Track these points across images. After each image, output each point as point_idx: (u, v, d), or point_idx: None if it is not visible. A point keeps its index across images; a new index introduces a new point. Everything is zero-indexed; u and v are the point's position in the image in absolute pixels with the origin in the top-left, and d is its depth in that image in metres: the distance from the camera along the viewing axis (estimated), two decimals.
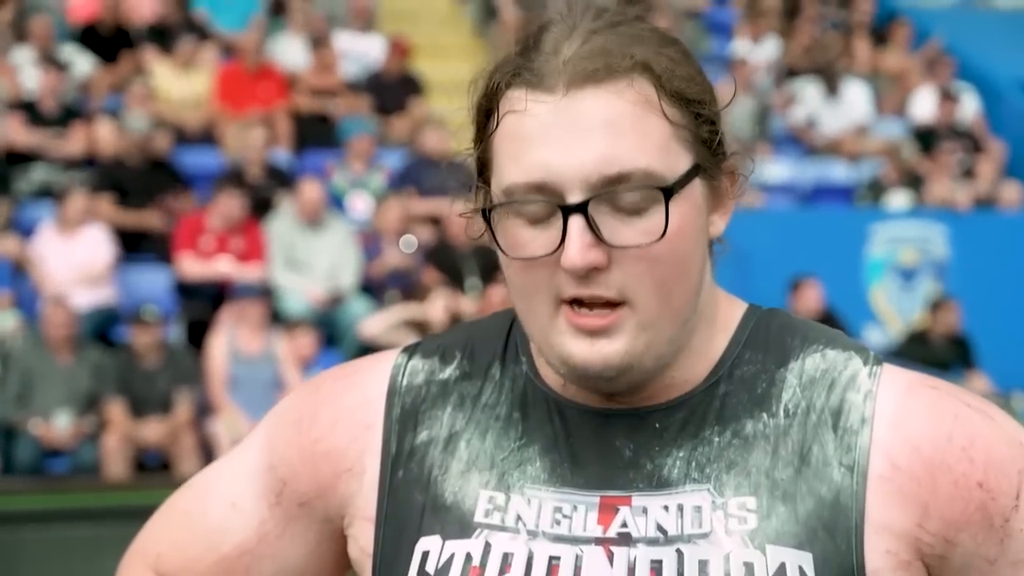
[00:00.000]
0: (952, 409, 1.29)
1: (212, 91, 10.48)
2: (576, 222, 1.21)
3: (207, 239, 8.87)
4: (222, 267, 8.83)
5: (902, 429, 1.28)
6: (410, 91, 11.13)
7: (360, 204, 9.89)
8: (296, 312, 8.73)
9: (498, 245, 1.27)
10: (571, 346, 1.25)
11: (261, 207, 9.27)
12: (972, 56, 13.25)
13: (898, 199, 11.26)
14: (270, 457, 1.41)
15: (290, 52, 11.05)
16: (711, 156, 1.27)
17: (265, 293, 8.58)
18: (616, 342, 1.24)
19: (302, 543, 1.40)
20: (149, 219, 9.18)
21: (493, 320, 1.42)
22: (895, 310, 10.58)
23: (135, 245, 9.03)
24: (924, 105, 12.52)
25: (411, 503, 1.33)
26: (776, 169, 11.55)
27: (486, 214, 1.27)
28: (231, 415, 8.02)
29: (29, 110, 9.70)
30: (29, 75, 10.14)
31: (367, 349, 8.83)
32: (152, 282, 8.93)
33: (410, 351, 1.41)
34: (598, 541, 1.26)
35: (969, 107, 12.62)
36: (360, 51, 11.34)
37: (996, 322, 10.24)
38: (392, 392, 1.38)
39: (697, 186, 1.26)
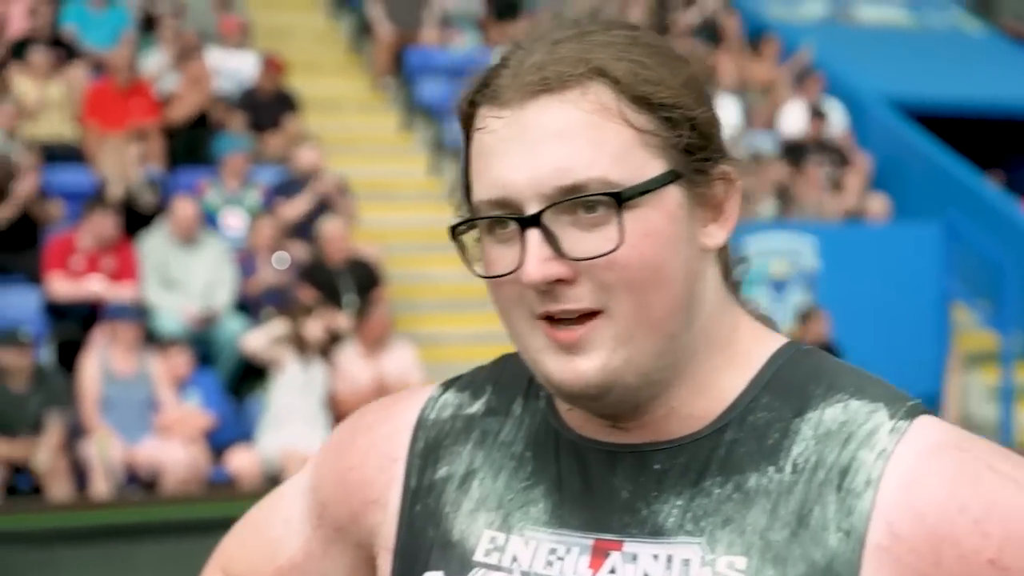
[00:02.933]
0: (973, 474, 1.19)
1: (81, 107, 10.32)
2: (533, 236, 1.19)
3: (77, 258, 8.73)
4: (93, 287, 8.70)
5: (909, 494, 1.19)
6: (285, 108, 11.08)
7: (234, 221, 9.81)
8: (170, 331, 8.62)
9: (467, 264, 1.24)
10: (550, 364, 1.22)
11: (133, 225, 9.15)
12: (839, 71, 13.54)
13: (766, 210, 11.46)
14: (315, 479, 1.44)
15: (161, 68, 10.92)
16: (694, 162, 1.22)
17: (139, 313, 8.46)
18: (593, 358, 1.20)
19: (341, 565, 1.43)
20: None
21: None
22: None
23: (2, 265, 8.84)
24: (794, 119, 12.77)
25: (424, 538, 1.34)
26: None
27: (453, 234, 1.24)
28: (104, 436, 7.89)
29: None
30: None
31: (245, 367, 8.76)
32: (21, 303, 8.75)
33: (448, 384, 1.41)
34: None
35: (837, 121, 12.90)
36: (233, 68, 11.26)
37: (864, 332, 10.47)
38: (419, 425, 1.38)
39: (672, 193, 1.21)
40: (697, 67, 1.26)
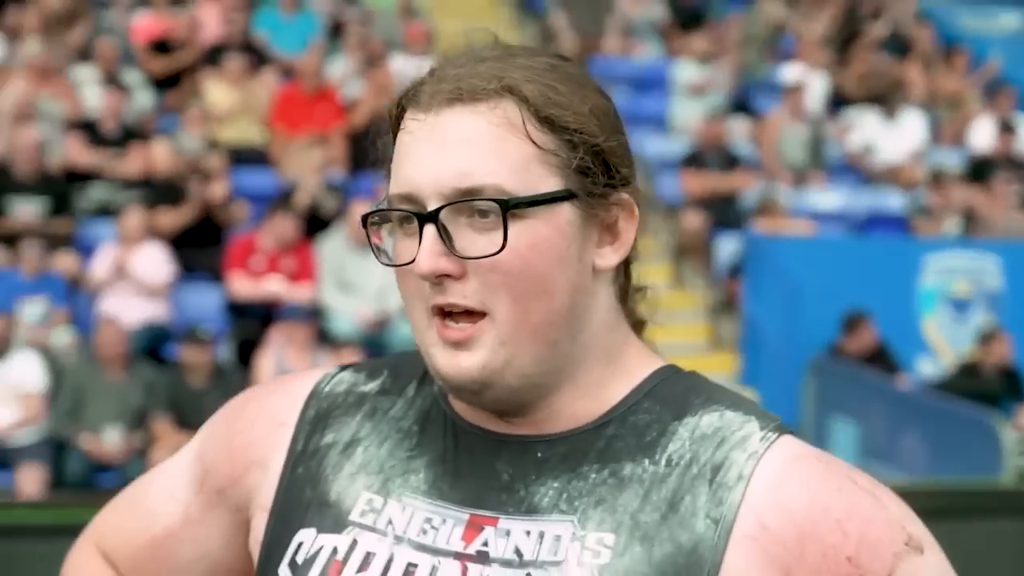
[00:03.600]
0: (836, 483, 1.29)
1: (269, 112, 10.63)
2: (429, 231, 1.28)
3: (258, 259, 8.99)
4: (272, 287, 8.95)
5: (778, 492, 1.28)
6: None
7: None
8: (344, 333, 8.82)
9: (375, 253, 1.34)
10: (439, 358, 1.30)
11: (314, 228, 9.39)
12: None
13: (950, 227, 11.20)
14: (201, 447, 1.51)
15: (347, 74, 11.17)
16: (590, 185, 1.30)
17: (313, 314, 8.68)
18: (476, 355, 1.29)
19: (219, 530, 1.48)
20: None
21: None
22: (947, 341, 10.51)
23: (187, 263, 9.17)
24: (983, 135, 12.45)
25: (301, 498, 1.39)
26: (830, 197, 11.53)
27: (364, 222, 1.34)
28: None
29: (89, 130, 9.89)
30: (91, 95, 10.34)
31: None
32: (203, 300, 9.06)
33: (345, 366, 1.49)
34: (457, 556, 1.31)
35: None
36: (413, 73, 11.44)
37: None
38: (312, 395, 1.45)
39: (565, 211, 1.29)
40: (610, 102, 1.35)
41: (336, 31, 11.86)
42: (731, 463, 1.29)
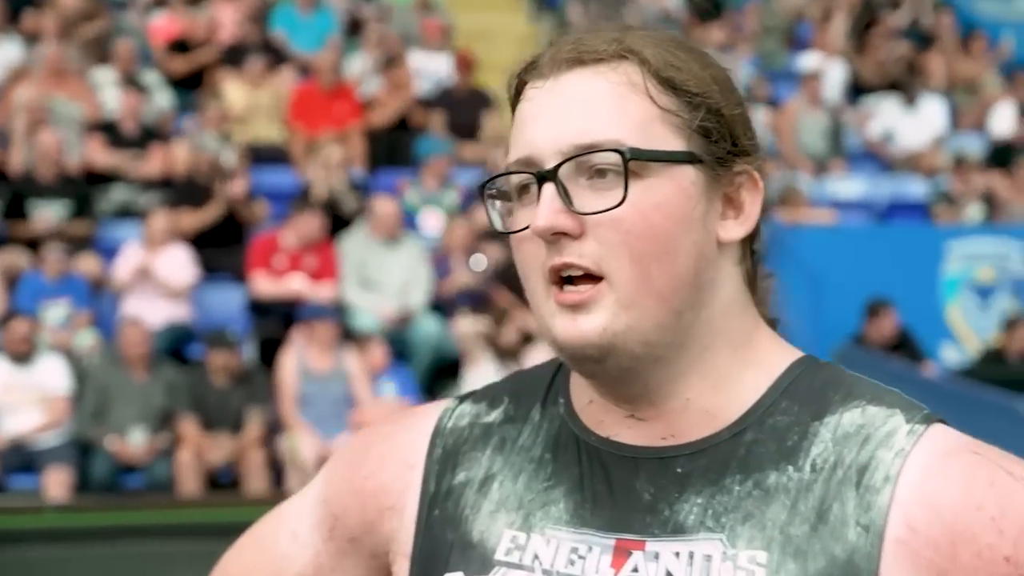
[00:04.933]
0: (989, 476, 1.22)
1: (287, 110, 10.63)
2: (547, 189, 1.25)
3: (280, 257, 9.00)
4: (295, 285, 8.95)
5: (926, 491, 1.22)
6: (481, 105, 11.20)
7: (432, 221, 9.97)
8: (367, 329, 8.82)
9: (491, 220, 1.32)
10: (556, 324, 1.26)
11: (336, 225, 9.39)
12: None
13: (973, 214, 11.14)
14: (327, 491, 1.46)
15: (365, 72, 11.17)
16: (714, 148, 1.28)
17: (336, 312, 8.67)
18: (595, 317, 1.25)
19: None
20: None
21: (542, 366, 1.44)
22: (971, 328, 10.46)
23: (209, 263, 9.18)
24: (1003, 120, 12.38)
25: (443, 541, 1.36)
26: (851, 185, 11.48)
27: (481, 192, 1.32)
28: (301, 433, 8.12)
29: (109, 131, 9.91)
30: (109, 96, 10.36)
31: (438, 367, 8.91)
32: (226, 300, 9.07)
33: (462, 397, 1.45)
34: None
35: None
36: (432, 70, 11.44)
37: None
38: (436, 433, 1.42)
39: (688, 173, 1.26)
40: (730, 74, 1.32)
41: (353, 28, 11.86)
42: (877, 463, 1.24)
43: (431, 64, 11.54)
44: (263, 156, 10.33)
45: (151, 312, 8.52)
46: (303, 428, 8.16)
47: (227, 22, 11.38)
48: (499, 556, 1.32)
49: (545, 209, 1.24)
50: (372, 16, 11.97)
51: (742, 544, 1.24)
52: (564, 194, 1.25)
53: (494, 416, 1.41)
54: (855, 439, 1.26)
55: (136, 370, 8.09)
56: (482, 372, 8.52)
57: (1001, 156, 11.86)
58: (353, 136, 10.55)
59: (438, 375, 8.92)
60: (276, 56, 11.12)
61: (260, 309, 8.96)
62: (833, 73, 12.41)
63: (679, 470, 1.28)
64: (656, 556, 1.26)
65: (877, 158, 12.04)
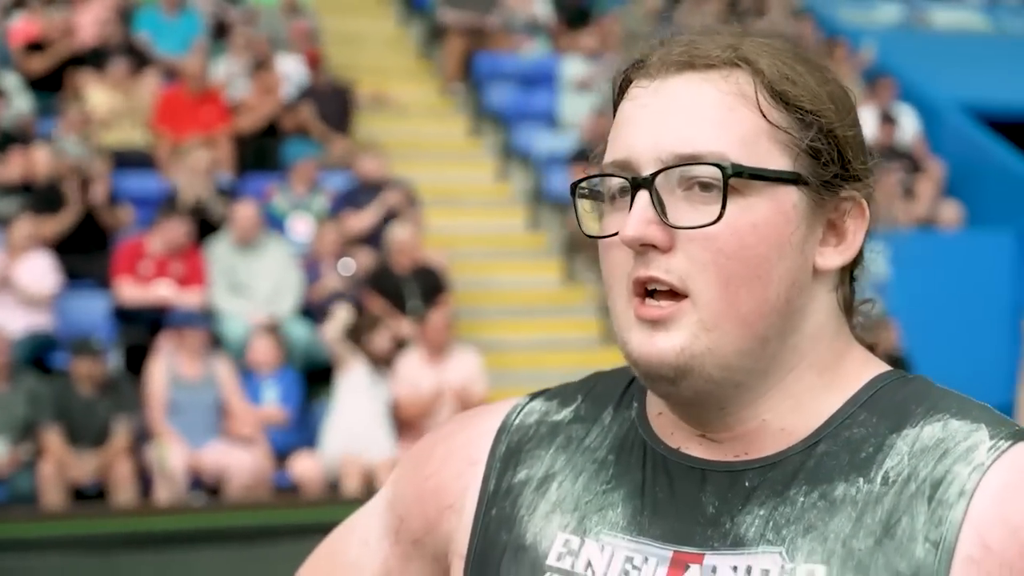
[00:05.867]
0: None
1: (153, 114, 10.44)
2: (641, 196, 1.20)
3: (146, 264, 8.83)
4: (162, 292, 8.79)
5: (1003, 507, 1.15)
6: (343, 102, 11.11)
7: (302, 227, 9.87)
8: (237, 336, 8.70)
9: (579, 222, 1.26)
10: (634, 339, 1.21)
11: (203, 231, 9.24)
12: (912, 76, 13.38)
13: None
14: (393, 494, 1.42)
15: (232, 75, 11.02)
16: (821, 171, 1.22)
17: (205, 319, 8.54)
18: (673, 336, 1.19)
19: None
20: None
21: (623, 369, 1.37)
22: None
23: (73, 270, 8.97)
24: (864, 126, 12.62)
25: (497, 542, 1.31)
26: None
27: (573, 190, 1.26)
28: (169, 441, 7.98)
29: None
30: None
31: (309, 372, 8.82)
32: (89, 307, 8.87)
33: (537, 393, 1.40)
34: None
35: (909, 128, 12.75)
36: (299, 73, 11.33)
37: (935, 341, 10.34)
38: (502, 430, 1.37)
39: (791, 194, 1.20)
40: (849, 92, 1.26)
41: (220, 31, 11.69)
42: (953, 477, 1.18)
43: (298, 68, 11.43)
44: (127, 161, 10.13)
45: (11, 320, 8.30)
46: (172, 437, 8.02)
47: (88, 23, 11.14)
48: (551, 561, 1.27)
49: (636, 218, 1.19)
50: (238, 19, 11.81)
51: (801, 558, 1.19)
52: (658, 204, 1.19)
53: (564, 414, 1.36)
54: (933, 452, 1.20)
55: None
56: (354, 378, 8.46)
57: None
58: (220, 141, 10.40)
59: (310, 380, 8.83)
60: (140, 59, 10.92)
61: (126, 316, 8.77)
62: None
63: (747, 484, 1.23)
64: (714, 570, 1.21)
65: None
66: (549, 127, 12.07)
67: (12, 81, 10.48)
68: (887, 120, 12.45)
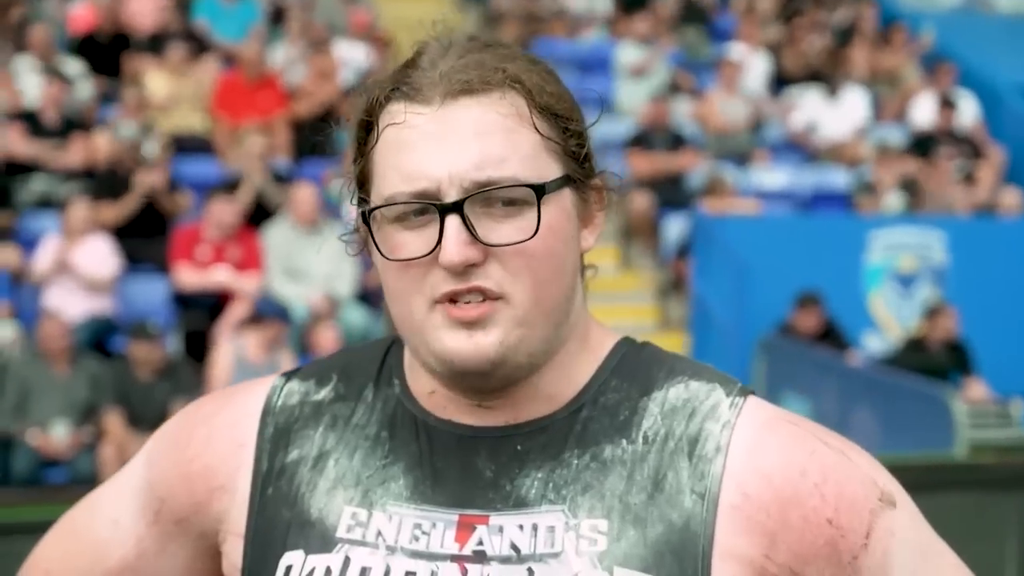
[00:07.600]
0: (809, 445, 1.32)
1: (211, 100, 10.52)
2: (452, 221, 1.28)
3: (204, 249, 8.91)
4: (219, 276, 8.86)
5: (756, 460, 1.31)
6: None
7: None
8: (295, 320, 8.75)
9: (378, 250, 1.32)
10: (448, 340, 1.29)
11: (260, 216, 9.31)
12: (973, 61, 13.25)
13: (894, 204, 11.27)
14: (150, 475, 1.46)
15: (289, 61, 11.08)
16: (580, 170, 1.34)
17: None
18: (491, 334, 1.29)
19: (179, 560, 1.45)
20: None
21: (371, 346, 1.47)
22: (894, 317, 10.58)
23: (132, 255, 9.06)
24: (924, 111, 12.53)
25: (278, 519, 1.37)
26: (774, 176, 11.57)
27: (366, 218, 1.32)
28: None
29: (30, 120, 9.75)
30: (29, 85, 10.20)
31: None
32: (149, 292, 8.96)
33: (289, 374, 1.46)
34: (454, 558, 1.31)
35: (969, 112, 12.63)
36: (357, 59, 11.38)
37: (994, 328, 10.24)
38: (266, 412, 1.43)
39: (567, 195, 1.33)
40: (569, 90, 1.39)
41: (278, 17, 11.76)
42: (707, 434, 1.33)
43: (356, 54, 11.48)
44: (186, 146, 10.22)
45: (72, 304, 8.40)
46: None
47: (148, 10, 11.24)
48: (340, 533, 1.34)
49: (454, 242, 1.27)
50: (296, 5, 11.88)
51: (583, 514, 1.30)
52: (469, 226, 1.28)
53: (323, 394, 1.42)
54: (682, 412, 1.34)
55: (57, 363, 7.97)
56: None
57: (922, 146, 12.00)
58: (277, 126, 10.47)
59: None
60: (199, 45, 11.00)
61: (184, 301, 8.86)
62: (756, 65, 12.49)
63: (519, 448, 1.33)
64: (500, 529, 1.31)
65: (801, 149, 12.14)
66: (605, 113, 12.03)
67: (73, 67, 10.60)
68: (947, 105, 12.33)
